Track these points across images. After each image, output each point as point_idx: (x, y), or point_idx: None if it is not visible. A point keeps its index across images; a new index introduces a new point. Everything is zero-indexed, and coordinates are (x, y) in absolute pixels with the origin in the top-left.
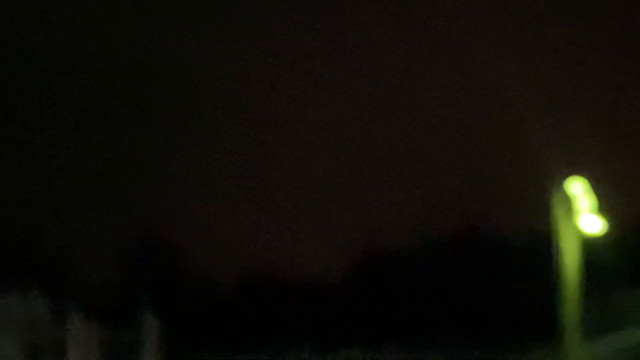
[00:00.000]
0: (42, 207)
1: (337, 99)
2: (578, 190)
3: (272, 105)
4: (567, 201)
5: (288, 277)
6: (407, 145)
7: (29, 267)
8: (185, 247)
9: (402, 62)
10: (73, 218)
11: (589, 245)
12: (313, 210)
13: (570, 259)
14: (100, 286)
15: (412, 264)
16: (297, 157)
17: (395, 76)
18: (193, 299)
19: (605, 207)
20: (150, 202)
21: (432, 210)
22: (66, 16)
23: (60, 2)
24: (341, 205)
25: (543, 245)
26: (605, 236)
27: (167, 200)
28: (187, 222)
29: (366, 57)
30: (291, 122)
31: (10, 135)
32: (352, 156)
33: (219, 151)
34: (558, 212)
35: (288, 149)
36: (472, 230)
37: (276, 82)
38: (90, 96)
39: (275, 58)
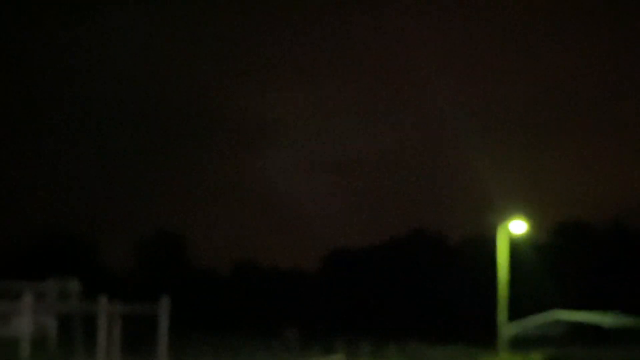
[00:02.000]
0: (75, 211)
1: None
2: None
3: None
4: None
5: (271, 268)
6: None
7: (65, 259)
8: (191, 241)
9: None
10: (100, 220)
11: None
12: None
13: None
14: (122, 273)
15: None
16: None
17: None
18: (196, 284)
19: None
20: (162, 203)
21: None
22: None
23: None
24: None
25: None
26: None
27: (176, 202)
28: (192, 221)
29: None
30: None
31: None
32: None
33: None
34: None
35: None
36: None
37: None
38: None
39: None
